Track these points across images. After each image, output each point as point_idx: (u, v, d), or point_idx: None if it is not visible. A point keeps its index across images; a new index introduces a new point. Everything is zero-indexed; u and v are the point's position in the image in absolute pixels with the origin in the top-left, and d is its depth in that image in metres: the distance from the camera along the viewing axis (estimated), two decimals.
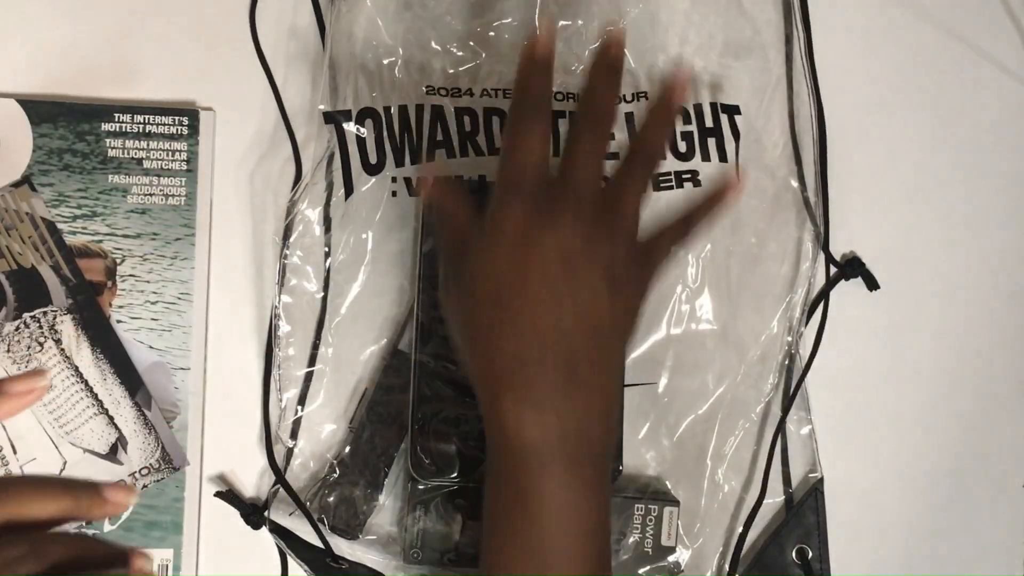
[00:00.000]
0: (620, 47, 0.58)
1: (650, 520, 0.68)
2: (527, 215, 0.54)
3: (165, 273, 0.69)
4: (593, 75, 0.58)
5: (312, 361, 0.69)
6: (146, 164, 0.70)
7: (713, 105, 0.72)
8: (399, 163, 0.70)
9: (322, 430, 0.69)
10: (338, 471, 0.68)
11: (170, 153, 0.70)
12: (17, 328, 0.68)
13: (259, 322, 0.70)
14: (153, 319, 0.69)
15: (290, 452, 0.69)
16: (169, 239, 0.69)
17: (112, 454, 0.68)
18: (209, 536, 0.69)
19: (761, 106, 0.72)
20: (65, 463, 0.67)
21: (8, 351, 0.67)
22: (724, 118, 0.71)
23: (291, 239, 0.69)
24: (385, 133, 0.70)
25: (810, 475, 0.71)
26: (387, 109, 0.70)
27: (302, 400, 0.69)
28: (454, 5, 0.71)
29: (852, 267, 0.72)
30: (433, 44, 0.70)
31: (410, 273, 0.69)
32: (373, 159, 0.70)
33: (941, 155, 0.75)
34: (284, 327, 0.69)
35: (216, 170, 0.71)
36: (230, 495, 0.68)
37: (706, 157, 0.71)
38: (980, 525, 0.73)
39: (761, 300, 0.71)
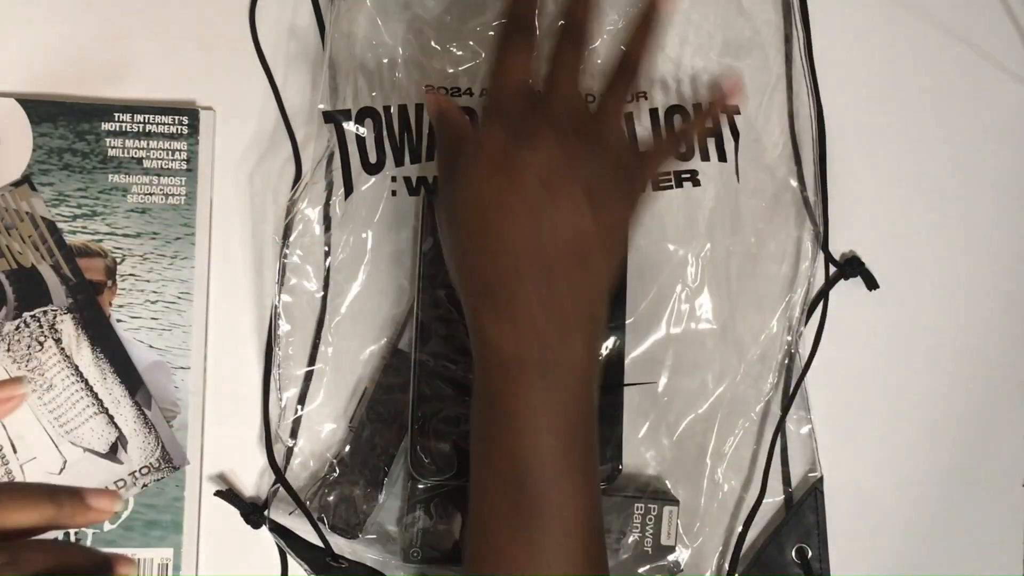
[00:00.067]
0: None
1: (650, 519, 0.68)
2: (508, 136, 0.55)
3: (165, 272, 0.69)
4: None
5: (312, 360, 0.69)
6: (146, 164, 0.70)
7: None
8: (399, 163, 0.70)
9: (322, 429, 0.69)
10: (338, 470, 0.68)
11: (170, 153, 0.70)
12: (17, 327, 0.68)
13: (259, 321, 0.70)
14: (153, 318, 0.69)
15: (290, 451, 0.69)
16: (169, 238, 0.69)
17: (112, 453, 0.68)
18: (209, 535, 0.69)
19: (761, 106, 0.72)
20: (65, 462, 0.67)
21: (8, 350, 0.67)
22: (724, 118, 0.71)
23: (291, 238, 0.69)
24: (385, 132, 0.70)
25: (810, 474, 0.71)
26: (387, 109, 0.70)
27: (302, 399, 0.69)
28: (454, 5, 0.71)
29: (851, 266, 0.72)
30: (433, 44, 0.70)
31: (410, 272, 0.69)
32: (373, 158, 0.70)
33: (941, 155, 0.75)
34: (284, 326, 0.69)
35: (216, 170, 0.71)
36: (230, 494, 0.68)
37: (705, 157, 0.71)
38: (980, 525, 0.73)
39: (761, 299, 0.71)
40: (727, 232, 0.71)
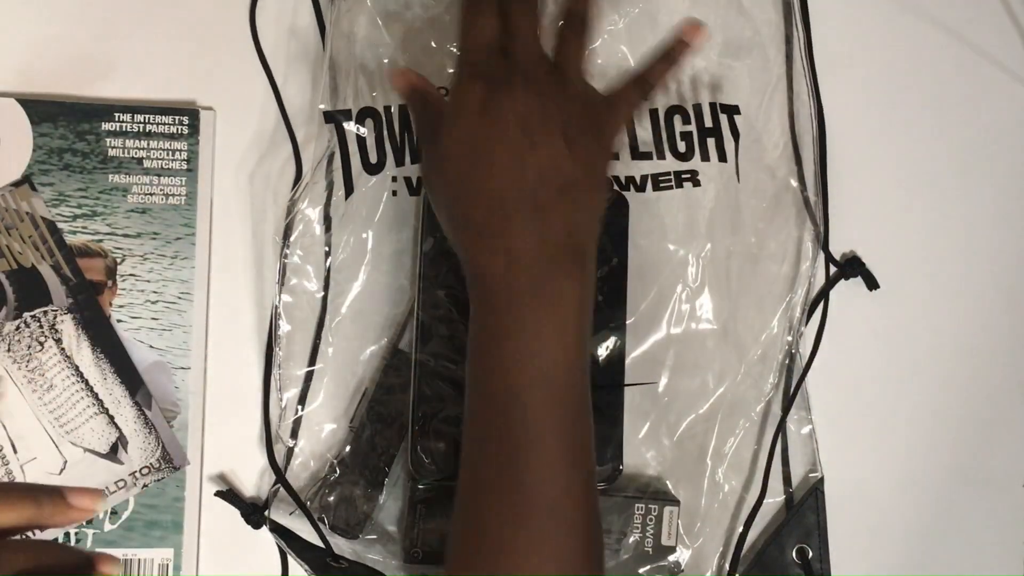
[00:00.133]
0: None
1: (650, 520, 0.68)
2: (485, 88, 0.58)
3: (165, 272, 0.69)
4: None
5: (312, 360, 0.69)
6: (146, 164, 0.70)
7: (713, 105, 0.72)
8: (399, 163, 0.70)
9: (322, 430, 0.69)
10: (338, 471, 0.68)
11: (170, 153, 0.70)
12: (17, 328, 0.68)
13: (259, 322, 0.70)
14: (153, 318, 0.69)
15: (290, 452, 0.69)
16: (169, 238, 0.69)
17: (112, 453, 0.68)
18: (209, 535, 0.69)
19: (761, 106, 0.72)
20: (65, 462, 0.67)
21: (8, 350, 0.67)
22: (724, 118, 0.71)
23: (291, 238, 0.69)
24: (385, 132, 0.70)
25: (810, 475, 0.71)
26: (387, 109, 0.70)
27: (302, 400, 0.69)
28: (454, 5, 0.71)
29: (852, 267, 0.72)
30: (433, 44, 0.70)
31: (410, 273, 0.69)
32: (373, 159, 0.70)
33: (941, 155, 0.75)
34: (284, 327, 0.69)
35: (216, 170, 0.71)
36: (230, 495, 0.68)
37: (705, 157, 0.71)
38: (980, 525, 0.73)
39: (761, 300, 0.71)
40: (727, 232, 0.71)
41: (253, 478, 0.70)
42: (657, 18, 0.72)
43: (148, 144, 0.70)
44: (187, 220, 0.70)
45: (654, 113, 0.72)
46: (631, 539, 0.68)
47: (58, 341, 0.68)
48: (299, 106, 0.71)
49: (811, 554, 0.70)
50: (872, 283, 0.72)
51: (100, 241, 0.69)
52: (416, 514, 0.67)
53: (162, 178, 0.70)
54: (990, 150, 0.75)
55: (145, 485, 0.68)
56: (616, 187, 0.70)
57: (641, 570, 0.68)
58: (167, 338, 0.69)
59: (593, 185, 0.60)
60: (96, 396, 0.68)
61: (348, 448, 0.68)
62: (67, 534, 0.67)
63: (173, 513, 0.68)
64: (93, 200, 0.69)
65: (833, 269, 0.72)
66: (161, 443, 0.68)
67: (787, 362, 0.71)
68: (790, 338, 0.71)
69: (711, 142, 0.71)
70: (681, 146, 0.71)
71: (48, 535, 0.67)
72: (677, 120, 0.72)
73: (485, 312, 0.58)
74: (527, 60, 0.60)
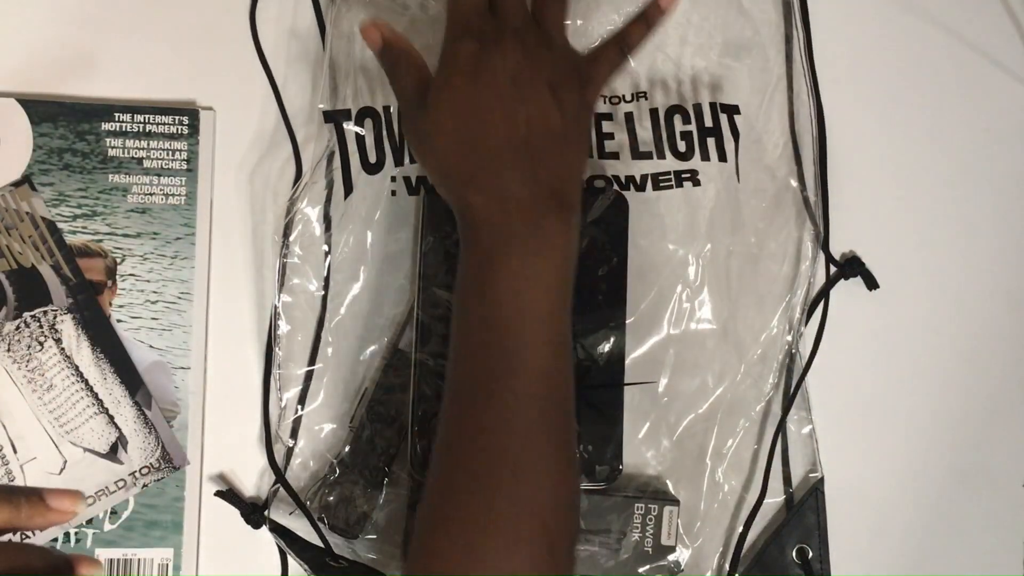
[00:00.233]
0: None
1: (650, 519, 0.68)
2: (475, 46, 0.61)
3: (165, 272, 0.69)
4: None
5: (312, 360, 0.69)
6: (146, 164, 0.70)
7: (712, 105, 0.72)
8: (399, 162, 0.70)
9: (322, 430, 0.69)
10: (338, 471, 0.68)
11: (170, 153, 0.70)
12: (17, 327, 0.68)
13: (259, 322, 0.70)
14: (153, 318, 0.69)
15: (290, 451, 0.69)
16: (169, 238, 0.69)
17: (112, 453, 0.68)
18: (209, 535, 0.69)
19: (761, 106, 0.72)
20: (65, 462, 0.67)
21: (8, 350, 0.67)
22: (724, 118, 0.71)
23: (291, 238, 0.69)
24: (385, 132, 0.70)
25: (810, 475, 0.71)
26: (387, 109, 0.70)
27: (302, 400, 0.69)
28: None
29: (852, 266, 0.72)
30: (433, 43, 0.70)
31: (410, 272, 0.69)
32: (373, 158, 0.70)
33: (941, 155, 0.75)
34: (284, 326, 0.69)
35: (216, 170, 0.71)
36: (230, 494, 0.68)
37: (705, 157, 0.71)
38: (980, 525, 0.73)
39: (761, 299, 0.71)
40: (727, 232, 0.71)
41: (253, 478, 0.70)
42: None
43: (148, 144, 0.70)
44: (187, 220, 0.70)
45: (654, 113, 0.72)
46: (631, 539, 0.68)
47: (58, 341, 0.68)
48: (299, 106, 0.71)
49: (811, 554, 0.70)
50: (872, 283, 0.72)
51: (100, 241, 0.69)
52: (416, 514, 0.67)
53: (162, 178, 0.70)
54: (990, 150, 0.75)
55: (145, 485, 0.68)
56: (616, 187, 0.70)
57: (641, 570, 0.68)
58: (167, 338, 0.69)
59: (579, 138, 0.63)
60: (96, 396, 0.68)
61: (348, 448, 0.68)
62: (67, 533, 0.67)
63: (173, 513, 0.68)
64: (93, 200, 0.69)
65: (833, 269, 0.72)
66: (161, 443, 0.68)
67: (787, 362, 0.71)
68: (790, 338, 0.71)
69: (711, 142, 0.71)
70: (681, 146, 0.71)
71: (47, 535, 0.67)
72: (677, 120, 0.72)
73: (477, 253, 0.60)
74: (515, 19, 0.63)
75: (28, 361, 0.68)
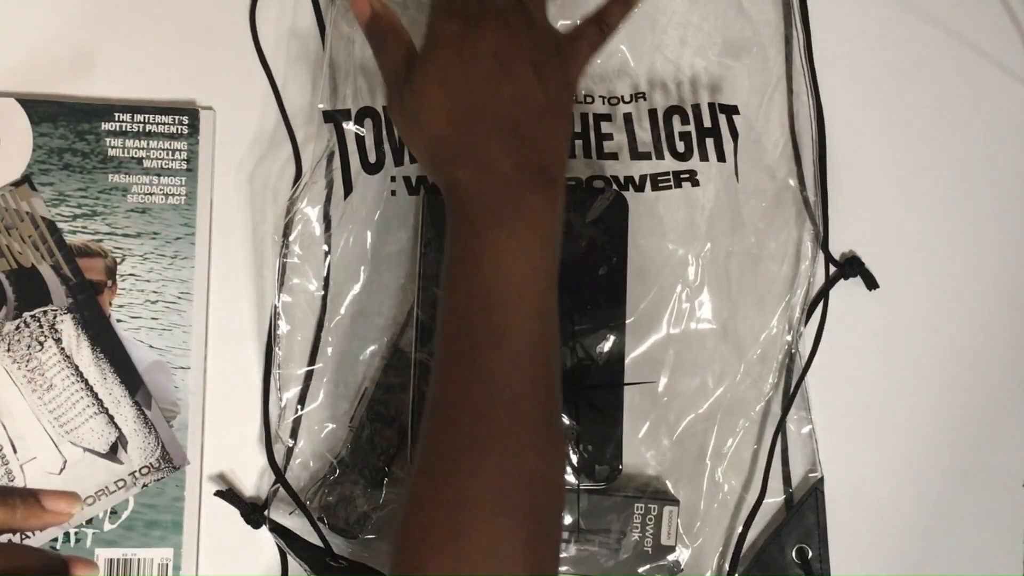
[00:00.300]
0: None
1: (650, 519, 0.68)
2: (460, 23, 0.62)
3: (165, 272, 0.69)
4: None
5: (312, 360, 0.69)
6: (146, 163, 0.70)
7: (712, 105, 0.72)
8: (398, 162, 0.70)
9: (322, 430, 0.69)
10: (338, 471, 0.68)
11: (170, 152, 0.70)
12: (17, 327, 0.68)
13: (259, 321, 0.70)
14: (153, 318, 0.69)
15: (290, 451, 0.69)
16: (169, 238, 0.69)
17: (112, 453, 0.68)
18: (209, 535, 0.69)
19: (761, 106, 0.72)
20: (65, 462, 0.67)
21: (8, 350, 0.67)
22: (723, 118, 0.72)
23: (291, 238, 0.69)
24: (384, 132, 0.70)
25: (810, 475, 0.71)
26: (387, 108, 0.70)
27: (302, 400, 0.69)
28: None
29: (851, 266, 0.72)
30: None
31: (410, 272, 0.69)
32: (372, 158, 0.70)
33: (941, 155, 0.75)
34: (284, 326, 0.69)
35: (216, 170, 0.71)
36: (230, 494, 0.68)
37: (704, 157, 0.71)
38: (980, 525, 0.73)
39: (761, 299, 0.71)
40: (727, 232, 0.71)
41: (253, 478, 0.70)
42: (656, 18, 0.72)
43: (148, 144, 0.70)
44: (187, 220, 0.70)
45: (653, 113, 0.72)
46: (631, 538, 0.68)
47: (58, 341, 0.68)
48: (299, 106, 0.71)
49: (811, 554, 0.70)
50: (872, 283, 0.72)
51: (100, 241, 0.69)
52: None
53: (162, 178, 0.70)
54: (990, 150, 0.75)
55: (145, 485, 0.68)
56: (615, 187, 0.70)
57: (641, 570, 0.68)
58: (167, 338, 0.69)
59: (561, 115, 0.63)
60: (96, 396, 0.68)
61: (348, 448, 0.68)
62: (67, 533, 0.67)
63: (173, 513, 0.68)
64: (93, 200, 0.69)
65: (833, 269, 0.72)
66: (161, 443, 0.68)
67: (787, 362, 0.71)
68: (790, 338, 0.71)
69: (710, 142, 0.71)
70: (680, 146, 0.71)
71: (47, 536, 0.67)
72: (676, 120, 0.72)
73: (463, 227, 0.60)
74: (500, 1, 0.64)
75: (28, 361, 0.68)
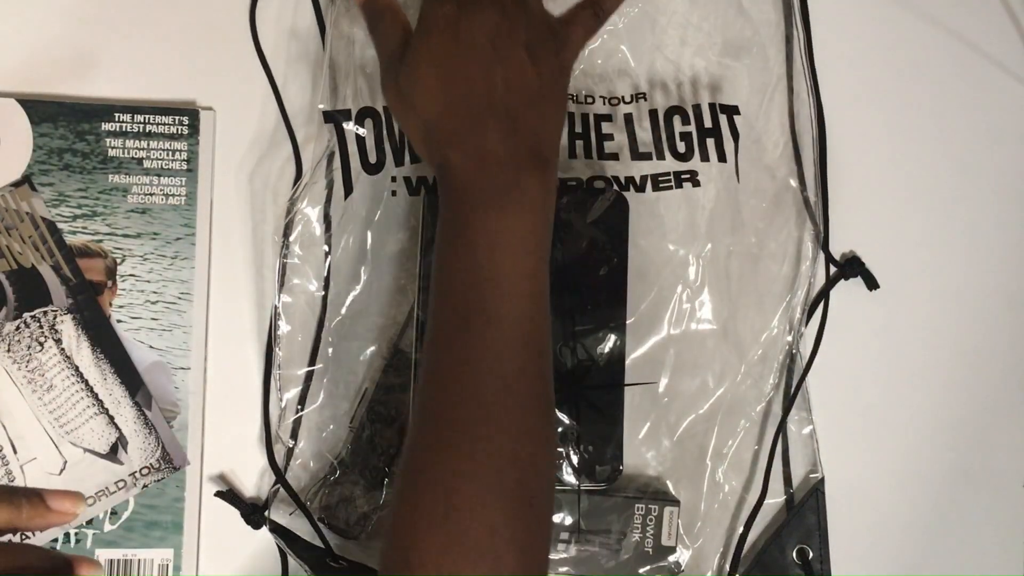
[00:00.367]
0: None
1: (650, 520, 0.68)
2: (454, 7, 0.62)
3: (165, 273, 0.69)
4: None
5: (312, 360, 0.69)
6: (146, 164, 0.70)
7: (712, 106, 0.72)
8: (399, 163, 0.70)
9: (322, 430, 0.69)
10: (338, 471, 0.68)
11: (170, 153, 0.70)
12: (17, 328, 0.68)
13: (259, 322, 0.70)
14: (153, 319, 0.69)
15: (290, 452, 0.69)
16: (169, 239, 0.69)
17: (112, 454, 0.68)
18: (209, 536, 0.69)
19: (761, 106, 0.72)
20: (65, 463, 0.67)
21: (8, 351, 0.67)
22: (723, 118, 0.72)
23: (291, 238, 0.69)
24: (385, 133, 0.70)
25: (811, 475, 0.71)
26: (387, 109, 0.70)
27: (302, 400, 0.69)
28: None
29: (852, 266, 0.72)
30: None
31: (410, 272, 0.69)
32: (373, 159, 0.70)
33: (941, 155, 0.75)
34: (284, 327, 0.69)
35: (216, 170, 0.71)
36: (230, 495, 0.68)
37: (705, 157, 0.71)
38: (980, 525, 0.73)
39: (761, 300, 0.71)
40: (727, 232, 0.71)
41: (253, 478, 0.70)
42: (656, 18, 0.72)
43: (148, 144, 0.70)
44: (187, 220, 0.70)
45: (654, 114, 0.72)
46: (631, 539, 0.68)
47: (58, 341, 0.68)
48: (299, 106, 0.71)
49: (811, 554, 0.70)
50: (872, 283, 0.72)
51: (100, 241, 0.69)
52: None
53: (162, 178, 0.70)
54: (990, 150, 0.75)
55: (145, 485, 0.68)
56: (616, 187, 0.70)
57: (641, 570, 0.68)
58: (167, 338, 0.69)
59: (556, 99, 0.64)
60: (96, 396, 0.68)
61: (348, 448, 0.68)
62: (67, 534, 0.67)
63: (173, 513, 0.68)
64: (93, 200, 0.69)
65: (833, 269, 0.72)
66: (161, 443, 0.68)
67: (787, 362, 0.71)
68: (790, 338, 0.71)
69: (711, 142, 0.71)
70: (681, 146, 0.71)
71: (48, 536, 0.67)
72: (676, 121, 0.72)
73: (455, 209, 0.60)
74: None
75: (28, 361, 0.68)
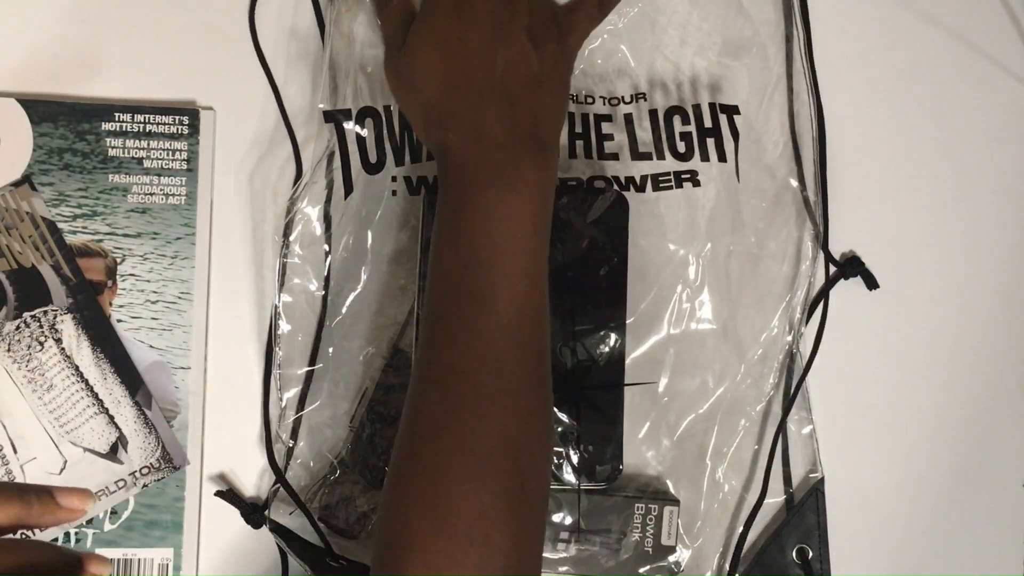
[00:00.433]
0: None
1: (650, 519, 0.68)
2: None
3: (165, 272, 0.69)
4: None
5: (312, 360, 0.69)
6: (146, 163, 0.70)
7: (712, 105, 0.72)
8: (399, 162, 0.70)
9: (322, 430, 0.69)
10: (338, 471, 0.68)
11: (170, 152, 0.70)
12: (17, 327, 0.68)
13: (259, 322, 0.70)
14: (153, 318, 0.69)
15: (290, 451, 0.69)
16: (169, 238, 0.69)
17: (112, 453, 0.68)
18: (209, 535, 0.69)
19: (761, 106, 0.72)
20: (65, 462, 0.67)
21: (8, 350, 0.67)
22: (723, 118, 0.72)
23: (291, 238, 0.69)
24: (385, 132, 0.70)
25: (811, 475, 0.71)
26: (387, 108, 0.70)
27: (302, 400, 0.69)
28: None
29: (852, 266, 0.72)
30: None
31: (410, 272, 0.69)
32: (373, 158, 0.70)
33: (941, 155, 0.75)
34: (284, 326, 0.69)
35: (216, 170, 0.71)
36: (230, 494, 0.68)
37: (705, 157, 0.71)
38: (980, 525, 0.73)
39: (761, 299, 0.71)
40: (727, 232, 0.71)
41: (253, 478, 0.70)
42: (656, 18, 0.72)
43: (148, 144, 0.70)
44: (187, 220, 0.70)
45: (654, 114, 0.72)
46: (631, 539, 0.68)
47: (58, 341, 0.68)
48: (299, 106, 0.71)
49: (811, 554, 0.70)
50: (872, 283, 0.72)
51: (100, 241, 0.69)
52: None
53: (162, 178, 0.70)
54: (990, 150, 0.75)
55: (145, 485, 0.68)
56: (616, 187, 0.70)
57: (641, 570, 0.68)
58: (167, 338, 0.69)
59: (557, 84, 0.64)
60: (96, 396, 0.68)
61: (348, 448, 0.68)
62: (67, 533, 0.67)
63: (173, 513, 0.68)
64: (93, 200, 0.69)
65: (833, 269, 0.72)
66: (161, 443, 0.68)
67: (787, 362, 0.71)
68: (790, 338, 0.71)
69: (711, 142, 0.71)
70: (681, 146, 0.71)
71: (48, 535, 0.67)
72: (676, 120, 0.72)
73: (452, 189, 0.61)
74: None
75: (28, 361, 0.68)
